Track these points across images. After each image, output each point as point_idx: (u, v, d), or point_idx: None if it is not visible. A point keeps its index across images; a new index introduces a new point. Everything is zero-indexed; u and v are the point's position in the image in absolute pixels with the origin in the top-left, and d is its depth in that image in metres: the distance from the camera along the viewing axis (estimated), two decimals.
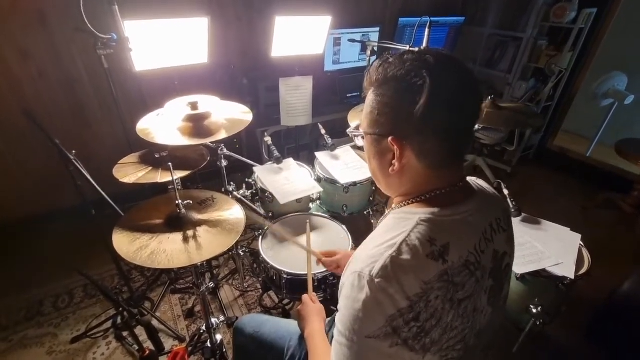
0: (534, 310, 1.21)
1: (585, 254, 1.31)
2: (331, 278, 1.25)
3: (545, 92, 2.99)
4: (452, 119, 0.55)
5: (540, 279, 1.22)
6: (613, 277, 1.47)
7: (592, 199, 2.73)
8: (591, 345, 1.43)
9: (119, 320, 1.70)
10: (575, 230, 1.40)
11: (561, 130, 3.34)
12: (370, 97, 0.61)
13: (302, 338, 0.96)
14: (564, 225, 1.43)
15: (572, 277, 1.18)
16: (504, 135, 2.96)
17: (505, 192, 1.36)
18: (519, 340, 1.28)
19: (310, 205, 1.71)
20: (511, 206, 1.36)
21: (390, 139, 0.58)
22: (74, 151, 1.29)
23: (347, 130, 0.71)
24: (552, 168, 3.28)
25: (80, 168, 1.28)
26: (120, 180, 1.36)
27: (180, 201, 1.07)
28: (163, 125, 1.26)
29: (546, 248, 1.28)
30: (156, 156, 1.40)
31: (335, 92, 2.92)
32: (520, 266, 1.22)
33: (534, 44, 2.98)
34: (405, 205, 0.63)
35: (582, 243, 1.34)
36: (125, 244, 0.99)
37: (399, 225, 0.58)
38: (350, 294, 0.55)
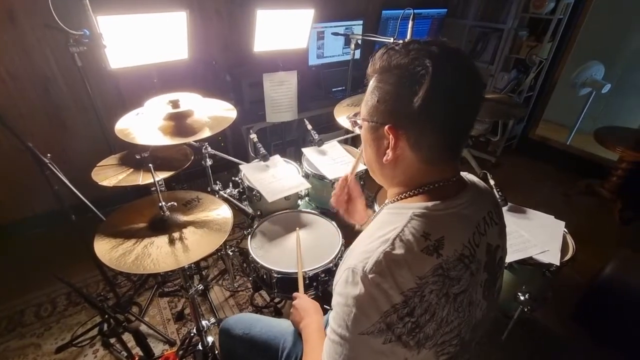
0: (522, 298, 1.24)
1: (570, 240, 1.34)
2: (322, 275, 1.25)
3: (527, 83, 3.04)
4: (451, 113, 0.54)
5: (527, 266, 1.24)
6: (596, 261, 1.52)
7: (573, 186, 2.80)
8: (577, 327, 1.48)
9: (105, 327, 1.66)
10: (558, 217, 1.43)
11: (542, 120, 3.41)
12: (372, 84, 0.60)
13: (297, 336, 0.95)
14: (547, 213, 1.46)
15: (558, 263, 1.21)
16: (488, 126, 3.01)
17: (492, 182, 1.38)
18: (507, 328, 1.31)
19: (299, 202, 1.69)
20: (498, 196, 1.38)
21: (386, 127, 0.57)
22: (49, 155, 1.23)
23: (346, 116, 0.70)
24: (534, 157, 3.35)
25: (57, 172, 1.23)
26: (100, 183, 1.31)
27: (163, 203, 1.03)
28: (143, 125, 1.21)
29: (532, 236, 1.31)
30: (137, 157, 1.35)
31: (320, 87, 2.89)
32: (507, 255, 1.23)
33: (514, 35, 3.02)
34: (398, 200, 0.63)
35: (565, 230, 1.37)
36: (107, 250, 0.95)
37: (392, 221, 0.57)
38: (344, 290, 0.54)
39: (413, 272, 0.52)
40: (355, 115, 0.67)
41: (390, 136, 0.57)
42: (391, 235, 0.54)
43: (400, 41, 0.59)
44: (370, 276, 0.51)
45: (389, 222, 0.57)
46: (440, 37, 0.58)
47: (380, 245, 0.53)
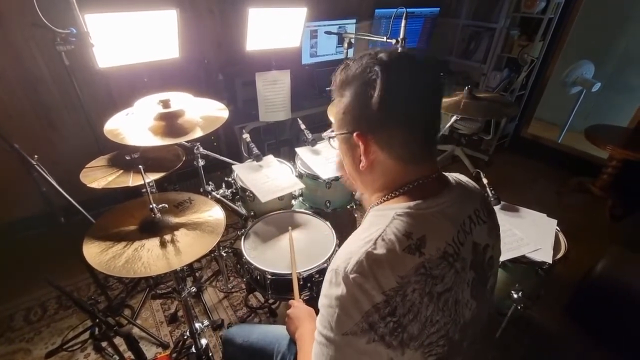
0: (515, 296, 1.24)
1: (562, 238, 1.35)
2: (316, 275, 1.24)
3: (519, 82, 3.07)
4: (409, 111, 0.57)
5: (520, 265, 1.25)
6: (588, 258, 1.53)
7: (565, 183, 2.83)
8: (570, 324, 1.49)
9: (96, 330, 1.63)
10: (550, 215, 1.44)
11: (534, 119, 3.45)
12: (336, 99, 0.64)
13: (291, 341, 0.95)
14: (540, 211, 1.47)
15: (550, 261, 1.21)
16: (481, 124, 3.03)
17: (484, 181, 1.38)
18: (501, 325, 1.31)
19: (293, 202, 1.68)
20: (490, 195, 1.39)
21: (355, 135, 0.60)
22: (36, 156, 1.21)
23: (323, 134, 0.73)
24: (526, 155, 3.38)
25: (44, 174, 1.20)
26: (88, 185, 1.29)
27: (154, 205, 1.01)
28: (133, 125, 1.19)
29: (525, 234, 1.31)
30: (127, 158, 1.33)
31: (314, 86, 2.88)
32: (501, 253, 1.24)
33: (506, 34, 3.04)
34: (382, 202, 0.63)
35: (558, 228, 1.38)
36: (96, 253, 0.93)
37: (376, 222, 0.58)
38: (328, 291, 0.55)
39: (395, 271, 0.52)
40: (331, 131, 0.70)
41: (360, 142, 0.60)
42: (374, 236, 0.55)
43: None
44: (351, 276, 0.52)
45: (373, 224, 0.58)
46: (388, 48, 0.63)
47: (363, 245, 0.54)
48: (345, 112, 0.62)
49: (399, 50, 0.62)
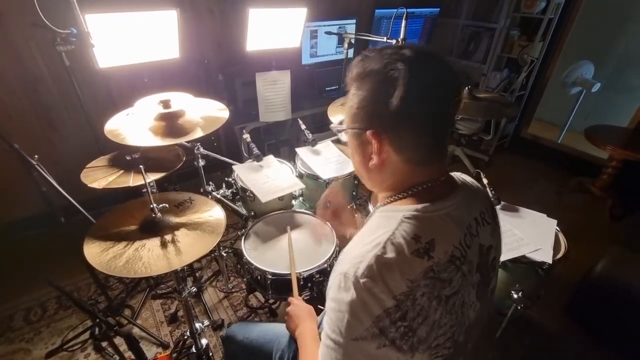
0: (515, 296, 1.24)
1: (562, 238, 1.35)
2: (317, 276, 1.24)
3: (519, 82, 3.07)
4: (428, 112, 0.55)
5: (520, 265, 1.25)
6: (588, 258, 1.54)
7: (565, 184, 2.83)
8: (570, 324, 1.49)
9: (96, 330, 1.63)
10: (550, 215, 1.44)
11: (534, 119, 3.45)
12: (351, 92, 0.60)
13: (290, 339, 0.95)
14: (540, 211, 1.47)
15: (550, 261, 1.22)
16: (481, 125, 3.02)
17: (485, 181, 1.38)
18: (501, 325, 1.31)
19: (293, 202, 1.68)
20: (491, 195, 1.39)
21: (369, 132, 0.57)
22: (36, 156, 1.21)
23: (331, 126, 0.70)
24: (526, 155, 3.39)
25: (44, 174, 1.20)
26: (89, 185, 1.29)
27: (155, 205, 1.02)
28: (133, 125, 1.19)
29: (525, 235, 1.31)
30: (127, 158, 1.33)
31: (314, 86, 2.88)
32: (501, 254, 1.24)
33: (506, 34, 3.04)
34: (389, 202, 0.63)
35: (557, 228, 1.38)
36: (97, 253, 0.93)
37: (383, 224, 0.57)
38: (337, 295, 0.54)
39: (404, 275, 0.52)
40: (341, 123, 0.67)
41: (374, 141, 0.58)
42: (382, 239, 0.54)
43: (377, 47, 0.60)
44: (362, 281, 0.51)
45: (380, 226, 0.57)
46: (411, 42, 0.60)
47: (372, 249, 0.53)
48: (359, 107, 0.58)
49: (421, 47, 0.58)
